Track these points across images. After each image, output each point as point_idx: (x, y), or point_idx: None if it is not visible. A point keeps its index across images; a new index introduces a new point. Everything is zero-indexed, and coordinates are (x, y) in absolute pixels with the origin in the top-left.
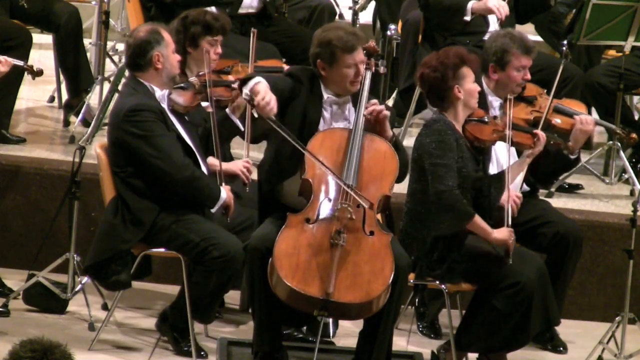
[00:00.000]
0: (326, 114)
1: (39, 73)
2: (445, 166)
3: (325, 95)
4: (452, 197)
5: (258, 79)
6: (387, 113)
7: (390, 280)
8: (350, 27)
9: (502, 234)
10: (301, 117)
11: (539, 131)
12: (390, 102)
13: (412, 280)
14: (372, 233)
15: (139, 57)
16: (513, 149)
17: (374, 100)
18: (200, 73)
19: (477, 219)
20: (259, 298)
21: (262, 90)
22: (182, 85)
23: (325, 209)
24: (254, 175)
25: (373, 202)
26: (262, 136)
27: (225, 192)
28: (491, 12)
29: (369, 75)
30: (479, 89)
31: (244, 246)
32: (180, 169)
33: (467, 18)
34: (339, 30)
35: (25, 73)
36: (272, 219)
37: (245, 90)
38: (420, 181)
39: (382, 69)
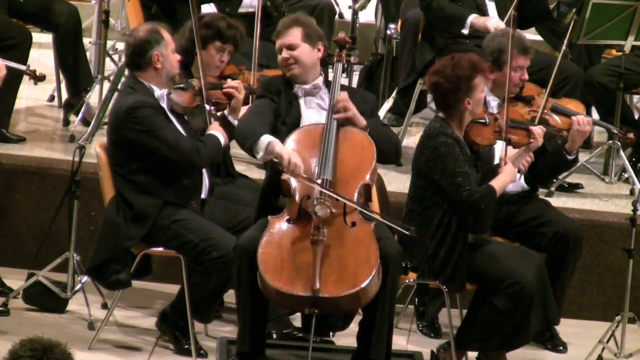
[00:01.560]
0: (303, 105)
1: (41, 78)
2: (460, 174)
3: (295, 86)
4: (480, 195)
5: (265, 139)
6: (346, 104)
7: (377, 268)
8: (297, 15)
9: (513, 174)
10: (286, 114)
11: (533, 128)
12: (390, 101)
13: (412, 280)
14: (354, 224)
15: (139, 56)
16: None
17: (342, 96)
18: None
19: (496, 185)
20: (245, 298)
21: (283, 152)
22: (181, 85)
23: (304, 206)
24: (254, 174)
25: (350, 197)
26: None
27: (221, 136)
28: (488, 31)
29: (340, 67)
30: (484, 95)
31: (233, 247)
32: (191, 156)
33: (465, 31)
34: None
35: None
36: (263, 220)
37: (261, 154)
38: (423, 188)
39: (353, 59)
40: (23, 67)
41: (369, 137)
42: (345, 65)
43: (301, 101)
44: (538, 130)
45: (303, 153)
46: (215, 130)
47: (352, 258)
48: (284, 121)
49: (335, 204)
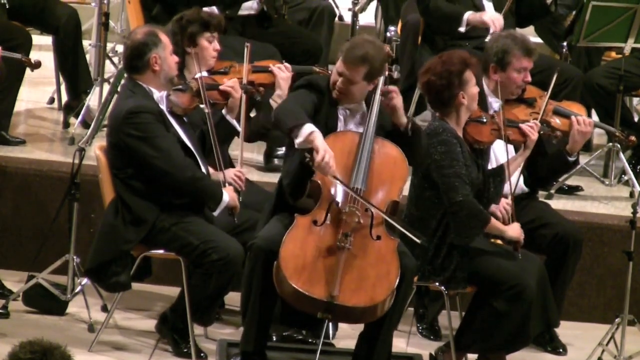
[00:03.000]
0: (341, 117)
1: (37, 65)
2: (456, 176)
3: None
4: (469, 206)
5: (309, 127)
6: (397, 96)
7: (396, 285)
8: (366, 42)
9: (515, 231)
10: (324, 125)
11: (522, 125)
12: None
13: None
14: (379, 238)
15: (137, 59)
16: (511, 147)
17: (392, 87)
18: (197, 76)
19: (492, 221)
20: (254, 298)
21: (321, 147)
22: (180, 87)
23: (333, 211)
24: (265, 178)
25: (382, 210)
26: (257, 135)
27: (227, 195)
28: (486, 24)
29: (382, 80)
30: (478, 90)
31: (249, 245)
32: (182, 169)
33: (462, 29)
34: (355, 40)
35: (25, 72)
36: (279, 219)
37: (300, 140)
38: (423, 188)
39: (395, 74)
40: (18, 56)
41: (403, 154)
42: (388, 79)
43: (340, 113)
44: (526, 127)
45: (336, 157)
46: (228, 192)
47: (373, 271)
48: (326, 122)
49: (363, 215)
